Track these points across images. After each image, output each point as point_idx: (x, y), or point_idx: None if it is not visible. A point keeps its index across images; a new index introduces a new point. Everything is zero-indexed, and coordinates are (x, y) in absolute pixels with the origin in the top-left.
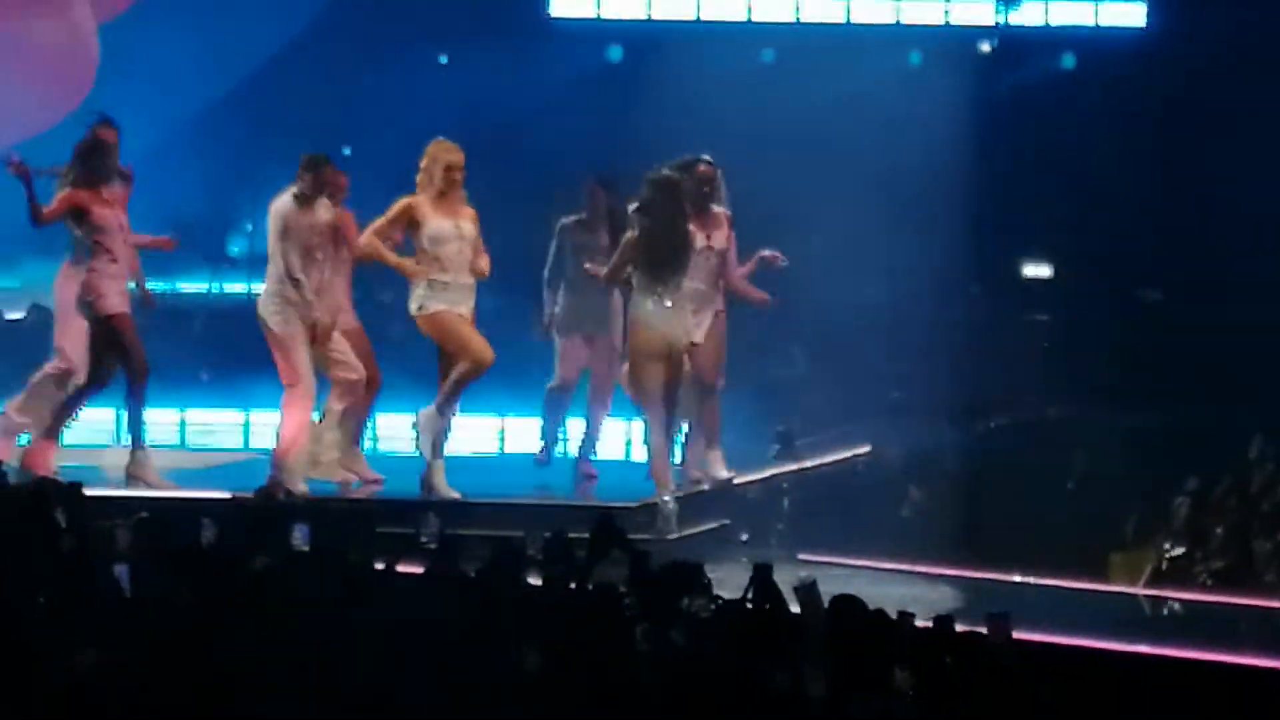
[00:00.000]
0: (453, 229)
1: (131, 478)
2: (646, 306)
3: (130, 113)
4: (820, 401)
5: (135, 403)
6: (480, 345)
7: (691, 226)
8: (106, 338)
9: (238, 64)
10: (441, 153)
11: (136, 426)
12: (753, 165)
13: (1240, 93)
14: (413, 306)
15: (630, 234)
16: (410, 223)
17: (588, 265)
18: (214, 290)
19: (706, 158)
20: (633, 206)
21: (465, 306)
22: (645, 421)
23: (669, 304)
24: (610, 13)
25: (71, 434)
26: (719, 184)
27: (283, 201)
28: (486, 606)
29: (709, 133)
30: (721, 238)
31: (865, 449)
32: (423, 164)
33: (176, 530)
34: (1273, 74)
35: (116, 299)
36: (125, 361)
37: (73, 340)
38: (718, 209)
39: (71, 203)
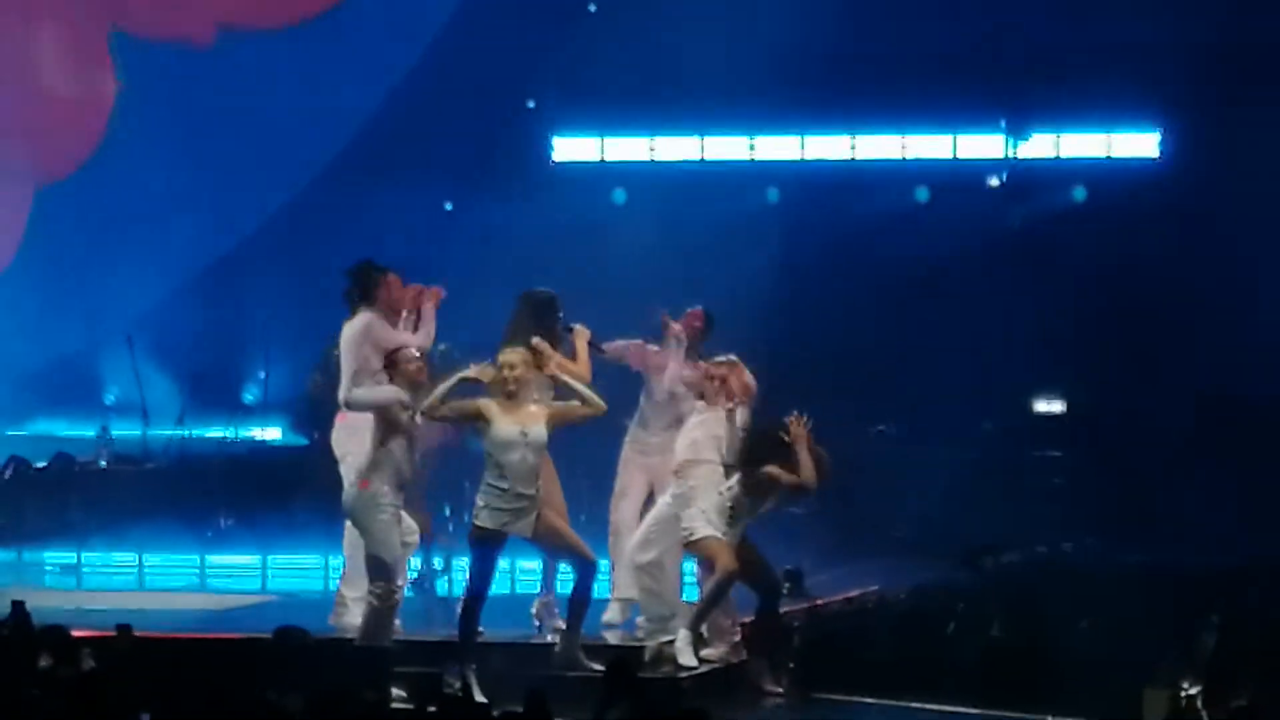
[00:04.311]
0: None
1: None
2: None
3: (140, 264)
4: (830, 539)
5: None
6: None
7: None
8: None
9: (246, 215)
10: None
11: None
12: (760, 303)
13: (1258, 223)
14: None
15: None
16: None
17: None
18: (230, 437)
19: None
20: None
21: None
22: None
23: None
24: (613, 156)
25: None
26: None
27: None
28: None
29: (715, 273)
30: None
31: (875, 588)
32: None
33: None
34: None
35: None
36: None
37: None
38: None
39: None
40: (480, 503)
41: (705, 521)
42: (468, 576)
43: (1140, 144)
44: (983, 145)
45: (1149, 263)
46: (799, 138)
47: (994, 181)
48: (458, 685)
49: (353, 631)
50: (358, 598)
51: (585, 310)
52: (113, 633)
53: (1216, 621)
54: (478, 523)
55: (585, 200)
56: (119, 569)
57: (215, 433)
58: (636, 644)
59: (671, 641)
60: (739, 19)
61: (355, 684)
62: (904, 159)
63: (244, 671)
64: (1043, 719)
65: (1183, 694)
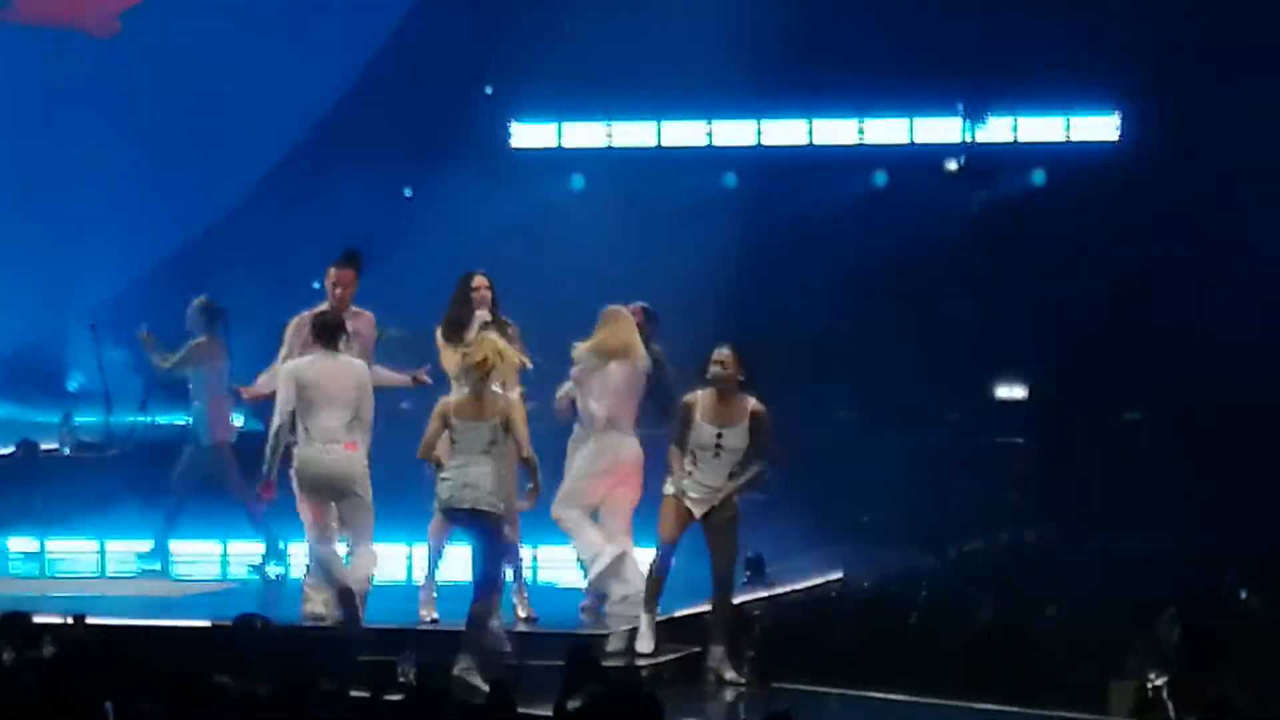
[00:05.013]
0: None
1: None
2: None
3: (103, 251)
4: (791, 527)
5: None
6: None
7: None
8: None
9: (208, 203)
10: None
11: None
12: (717, 288)
13: (1218, 206)
14: None
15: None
16: None
17: None
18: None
19: None
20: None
21: None
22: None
23: None
24: (571, 142)
25: None
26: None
27: None
28: None
29: (673, 258)
30: None
31: (838, 575)
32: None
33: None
34: (1249, 186)
35: None
36: None
37: None
38: None
39: None
40: (504, 492)
41: (671, 481)
42: (488, 565)
43: (1100, 127)
44: (940, 129)
45: (1110, 247)
46: (756, 122)
47: (952, 165)
48: (412, 674)
49: (311, 620)
50: (315, 585)
51: (544, 296)
52: (70, 621)
53: (1174, 613)
54: (499, 512)
55: (544, 186)
56: (82, 556)
57: (178, 420)
58: (601, 632)
59: (636, 629)
60: (695, 4)
61: (316, 672)
62: (861, 143)
63: (207, 658)
64: (1006, 709)
65: (1149, 685)
